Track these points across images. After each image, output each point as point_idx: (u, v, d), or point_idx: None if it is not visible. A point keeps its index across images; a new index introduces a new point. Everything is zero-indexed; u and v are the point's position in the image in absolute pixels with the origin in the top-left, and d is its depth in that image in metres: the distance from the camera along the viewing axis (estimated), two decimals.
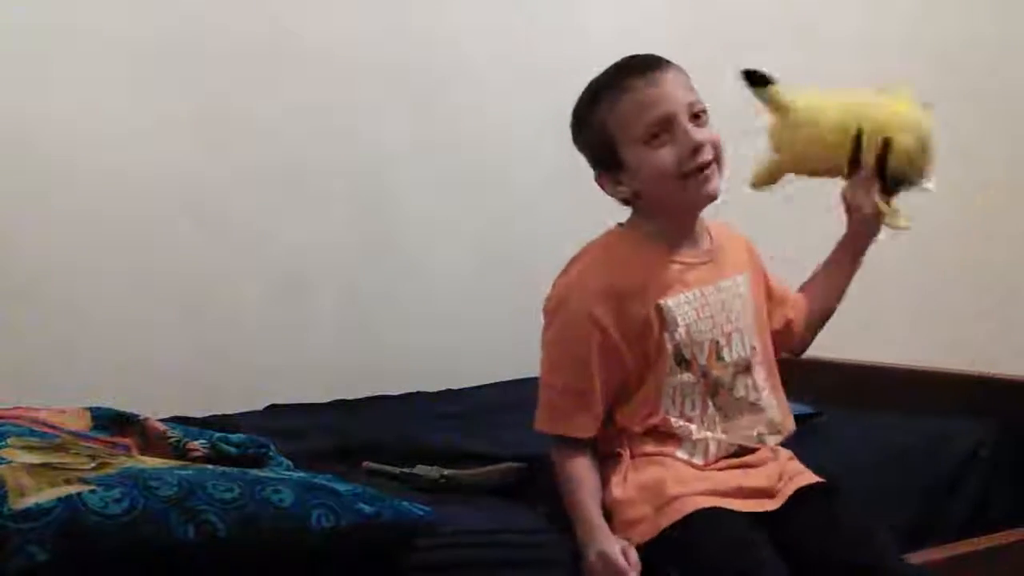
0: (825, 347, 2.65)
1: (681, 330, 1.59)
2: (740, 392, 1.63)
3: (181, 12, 2.41)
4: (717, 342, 1.62)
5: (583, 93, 1.65)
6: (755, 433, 1.64)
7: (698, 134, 1.57)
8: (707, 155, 1.57)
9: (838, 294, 1.83)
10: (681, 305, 1.60)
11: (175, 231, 2.42)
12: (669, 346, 1.59)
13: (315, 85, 2.56)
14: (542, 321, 1.67)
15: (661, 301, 1.59)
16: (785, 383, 1.73)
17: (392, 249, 2.65)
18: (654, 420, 1.59)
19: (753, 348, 1.66)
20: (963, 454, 2.06)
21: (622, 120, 1.59)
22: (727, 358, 1.62)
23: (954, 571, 1.87)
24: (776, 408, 1.68)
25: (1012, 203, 3.39)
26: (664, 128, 1.57)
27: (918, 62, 3.23)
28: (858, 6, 3.20)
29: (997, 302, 3.33)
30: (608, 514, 1.58)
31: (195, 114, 2.43)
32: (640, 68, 1.59)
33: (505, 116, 2.75)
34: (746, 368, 1.65)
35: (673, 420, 1.60)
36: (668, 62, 1.61)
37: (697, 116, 1.58)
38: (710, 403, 1.61)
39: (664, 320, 1.59)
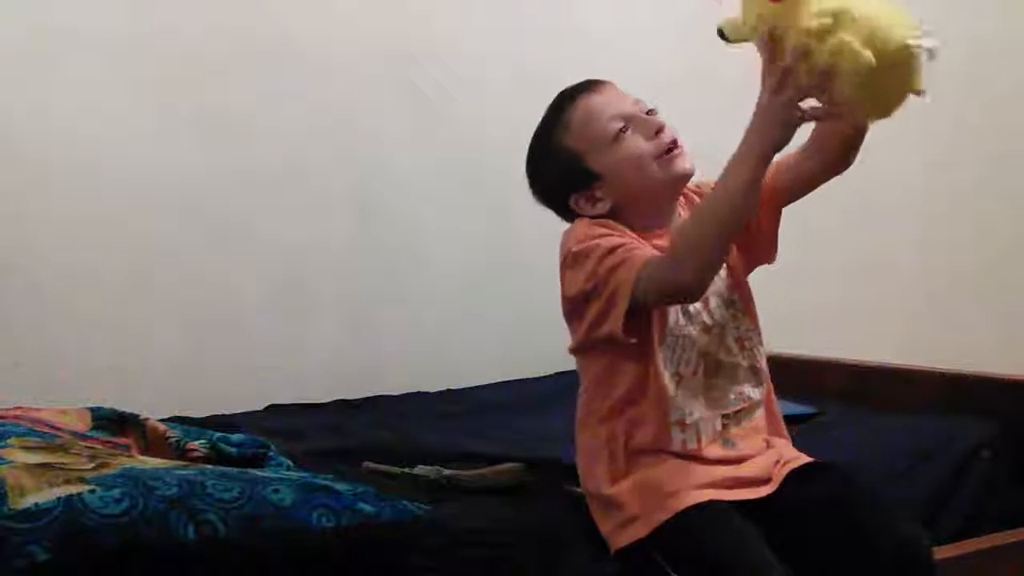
0: (825, 347, 2.68)
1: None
2: (723, 355, 1.63)
3: (181, 12, 2.41)
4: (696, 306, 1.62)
5: (531, 142, 1.70)
6: (734, 395, 1.63)
7: (656, 118, 1.63)
8: (671, 134, 1.62)
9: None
10: None
11: (175, 231, 2.42)
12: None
13: (315, 85, 2.56)
14: (561, 288, 1.64)
15: None
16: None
17: (392, 249, 2.65)
18: (648, 380, 1.58)
19: (732, 302, 1.66)
20: (964, 454, 2.06)
21: (581, 131, 1.63)
22: (707, 321, 1.62)
23: (954, 571, 1.86)
24: (758, 357, 1.67)
25: (1012, 203, 3.39)
26: (624, 122, 1.61)
27: None
28: None
29: (997, 302, 3.34)
30: (602, 507, 1.59)
31: (195, 114, 2.43)
32: (579, 87, 1.66)
33: (505, 116, 2.74)
34: (723, 327, 1.64)
35: (667, 377, 1.58)
36: (605, 80, 1.67)
37: (648, 112, 1.63)
38: (701, 364, 1.61)
39: None
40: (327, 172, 2.58)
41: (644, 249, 1.54)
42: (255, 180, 2.50)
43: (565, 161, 1.64)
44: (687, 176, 1.64)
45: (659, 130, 1.61)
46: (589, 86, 1.66)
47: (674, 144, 1.61)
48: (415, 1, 2.67)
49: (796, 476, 1.60)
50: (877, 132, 3.17)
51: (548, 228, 2.77)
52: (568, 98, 1.67)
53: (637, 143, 1.61)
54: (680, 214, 1.68)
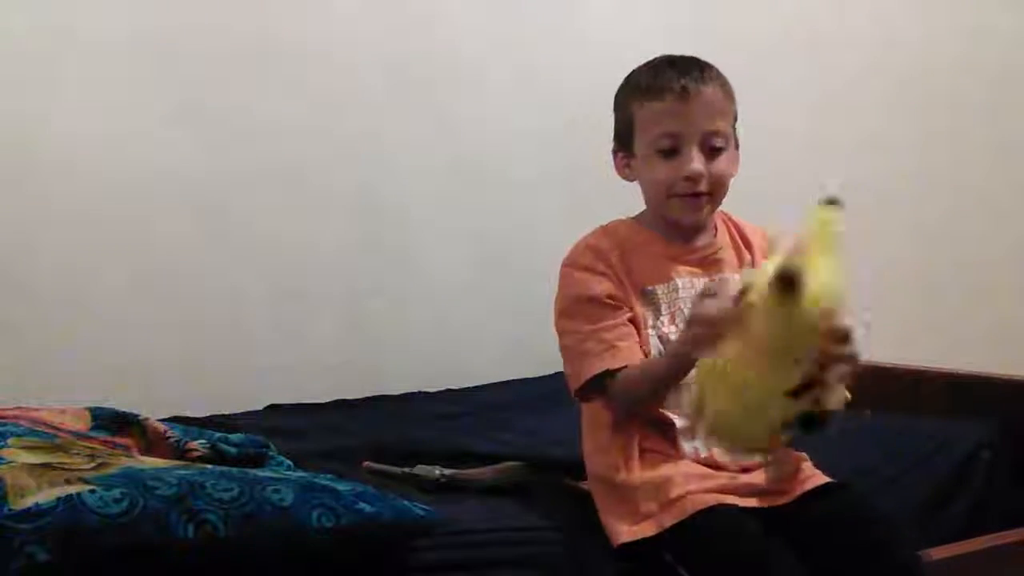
0: None
1: (664, 318, 1.62)
2: None
3: (181, 12, 2.41)
4: None
5: (641, 67, 1.67)
6: None
7: (697, 164, 1.59)
8: (700, 187, 1.61)
9: None
10: (668, 292, 1.63)
11: (175, 231, 2.42)
12: (653, 333, 1.62)
13: (315, 85, 2.56)
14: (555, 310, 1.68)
15: (647, 287, 1.63)
16: None
17: (392, 249, 2.65)
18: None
19: None
20: (964, 455, 2.06)
21: (644, 120, 1.63)
22: None
23: (954, 571, 1.86)
24: None
25: (1012, 203, 3.39)
26: (675, 148, 1.60)
27: (919, 60, 3.24)
28: (853, 7, 3.20)
29: (997, 302, 3.33)
30: (609, 495, 1.60)
31: (195, 114, 2.43)
32: (680, 76, 1.61)
33: (504, 116, 2.75)
34: None
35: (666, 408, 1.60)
36: (712, 77, 1.62)
37: (712, 149, 1.61)
38: None
39: (647, 305, 1.62)
40: (327, 172, 2.58)
41: (603, 357, 1.58)
42: (255, 180, 2.50)
43: (626, 120, 1.67)
44: (683, 225, 1.65)
45: (689, 177, 1.60)
46: (694, 80, 1.60)
47: (692, 195, 1.61)
48: (415, 1, 2.67)
49: (809, 494, 1.59)
50: (876, 128, 3.17)
51: (546, 228, 2.77)
52: (668, 78, 1.62)
53: (661, 172, 1.62)
54: (716, 228, 1.70)
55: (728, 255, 1.69)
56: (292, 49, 2.53)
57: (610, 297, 1.61)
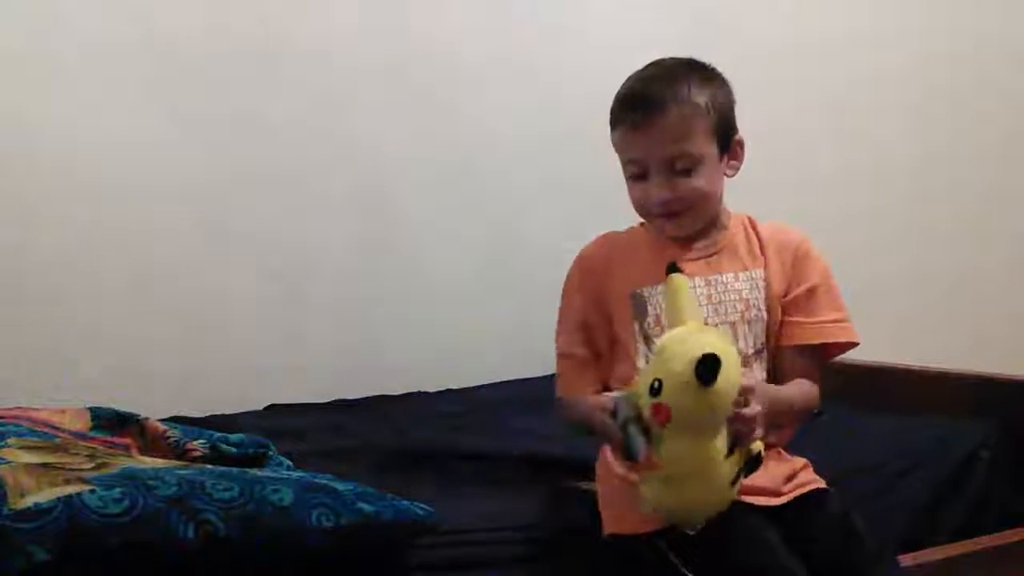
0: None
1: (651, 319, 1.63)
2: None
3: (181, 13, 2.41)
4: None
5: (623, 83, 1.68)
6: None
7: (661, 191, 1.61)
8: (671, 208, 1.62)
9: None
10: (656, 295, 1.63)
11: (175, 231, 2.42)
12: (638, 333, 1.63)
13: (315, 85, 2.56)
14: None
15: (637, 289, 1.64)
16: None
17: (392, 249, 2.65)
18: None
19: (761, 346, 1.66)
20: (963, 454, 2.06)
21: (615, 144, 1.66)
22: None
23: (954, 571, 1.87)
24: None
25: (1012, 203, 3.39)
26: (638, 171, 1.63)
27: (915, 62, 3.24)
28: (851, 11, 3.21)
29: (997, 302, 3.33)
30: (613, 484, 1.59)
31: (195, 115, 2.43)
32: (633, 107, 1.61)
33: (504, 117, 2.75)
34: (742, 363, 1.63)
35: None
36: (673, 99, 1.59)
37: (681, 171, 1.60)
38: None
39: (635, 307, 1.64)
40: (327, 172, 2.58)
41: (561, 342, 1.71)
42: (255, 180, 2.50)
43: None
44: (668, 233, 1.67)
45: (660, 204, 1.62)
46: (649, 110, 1.58)
47: (660, 215, 1.64)
48: (415, 1, 2.67)
49: (801, 500, 1.59)
50: (876, 128, 3.18)
51: (546, 228, 2.77)
52: (623, 109, 1.62)
53: (639, 194, 1.64)
54: (726, 226, 1.70)
55: (729, 257, 1.68)
56: (292, 49, 2.53)
57: (578, 316, 1.68)
